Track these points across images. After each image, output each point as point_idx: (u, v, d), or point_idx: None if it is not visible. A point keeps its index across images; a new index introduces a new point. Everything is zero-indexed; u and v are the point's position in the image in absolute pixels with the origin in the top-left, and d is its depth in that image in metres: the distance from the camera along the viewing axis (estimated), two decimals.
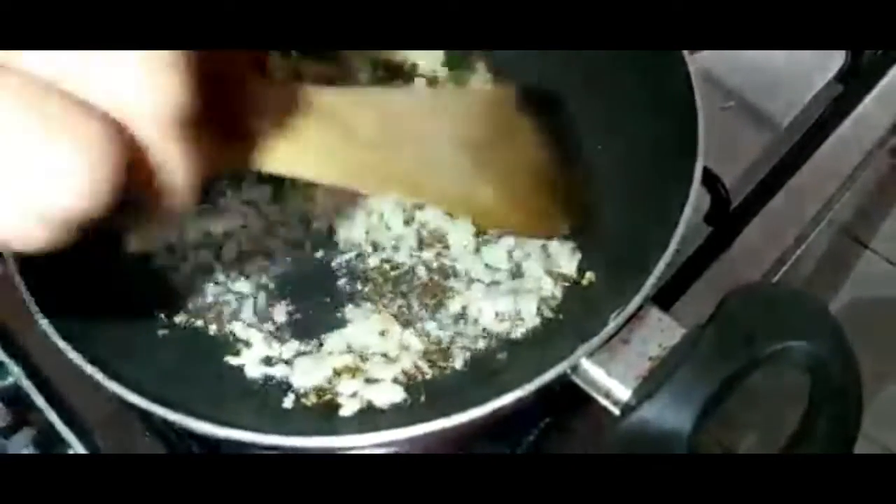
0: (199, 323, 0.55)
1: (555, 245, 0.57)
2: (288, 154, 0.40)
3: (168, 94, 0.28)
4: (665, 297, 0.59)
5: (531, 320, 0.55)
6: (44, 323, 0.47)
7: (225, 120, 0.36)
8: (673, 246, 0.47)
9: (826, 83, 0.71)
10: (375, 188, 0.49)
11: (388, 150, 0.46)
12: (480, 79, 0.63)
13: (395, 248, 0.57)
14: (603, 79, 0.60)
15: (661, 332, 0.46)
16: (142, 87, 0.27)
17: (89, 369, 0.46)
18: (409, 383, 0.53)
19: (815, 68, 0.71)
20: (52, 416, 0.58)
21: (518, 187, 0.54)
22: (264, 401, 0.53)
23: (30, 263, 0.49)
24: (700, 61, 0.57)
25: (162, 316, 0.55)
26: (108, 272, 0.53)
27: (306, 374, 0.53)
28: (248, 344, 0.54)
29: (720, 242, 0.63)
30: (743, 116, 0.70)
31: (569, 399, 0.49)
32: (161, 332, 0.54)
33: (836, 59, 0.71)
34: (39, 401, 0.58)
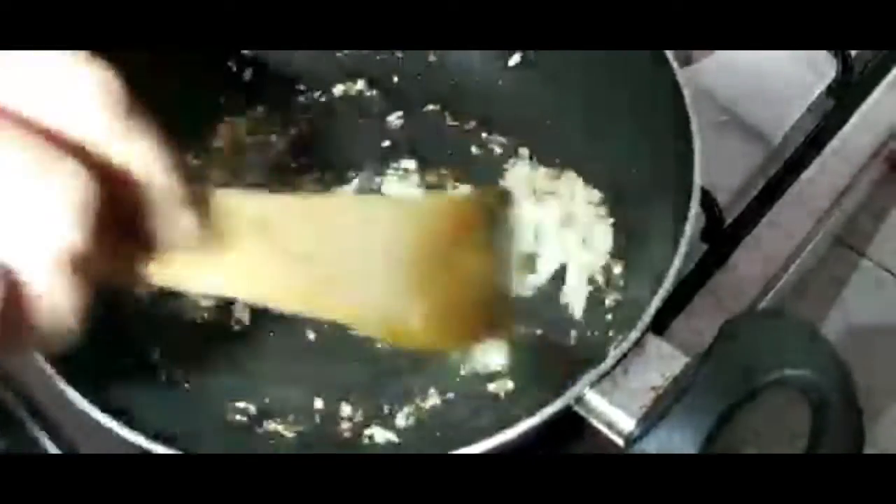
0: None
1: None
2: (202, 267, 0.36)
3: (60, 234, 0.26)
4: (661, 317, 0.58)
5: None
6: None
7: (121, 225, 0.31)
8: (672, 275, 0.47)
9: (816, 97, 0.71)
10: (300, 307, 0.42)
11: (322, 265, 0.41)
12: None
13: None
14: (596, 99, 0.60)
15: (662, 361, 0.46)
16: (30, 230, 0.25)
17: (86, 407, 0.46)
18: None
19: (805, 83, 0.71)
20: (35, 430, 0.57)
21: (454, 303, 0.49)
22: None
23: None
24: (691, 75, 0.57)
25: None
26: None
27: None
28: None
29: (715, 260, 0.63)
30: (734, 131, 0.70)
31: (568, 429, 0.49)
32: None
33: (826, 74, 0.71)
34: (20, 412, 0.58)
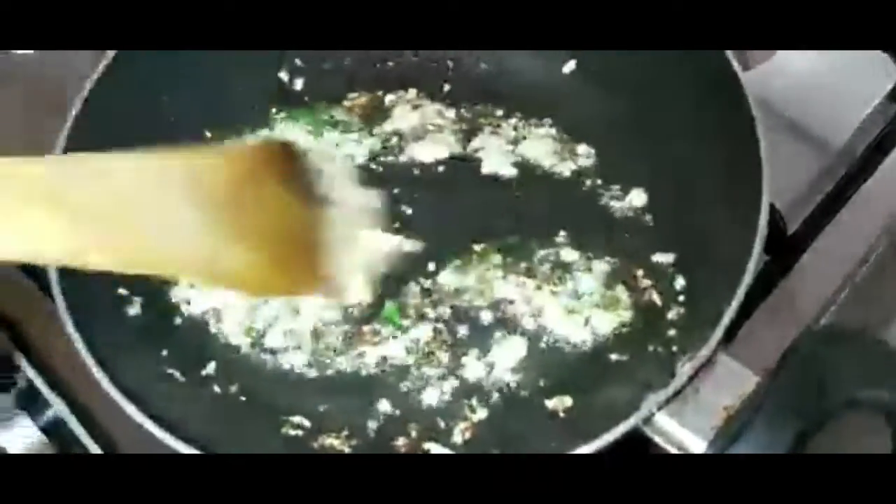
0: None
1: None
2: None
3: None
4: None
5: None
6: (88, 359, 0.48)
7: None
8: (741, 292, 0.45)
9: (878, 103, 0.69)
10: (108, 265, 0.43)
11: (116, 223, 0.41)
12: None
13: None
14: (654, 106, 0.59)
15: (732, 380, 0.45)
16: None
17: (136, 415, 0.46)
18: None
19: (866, 87, 0.69)
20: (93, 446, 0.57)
21: (274, 248, 0.50)
22: None
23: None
24: (746, 81, 0.56)
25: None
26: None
27: None
28: None
29: (778, 271, 0.61)
30: (791, 137, 0.68)
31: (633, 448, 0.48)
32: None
33: (887, 79, 0.69)
34: (80, 432, 0.58)
